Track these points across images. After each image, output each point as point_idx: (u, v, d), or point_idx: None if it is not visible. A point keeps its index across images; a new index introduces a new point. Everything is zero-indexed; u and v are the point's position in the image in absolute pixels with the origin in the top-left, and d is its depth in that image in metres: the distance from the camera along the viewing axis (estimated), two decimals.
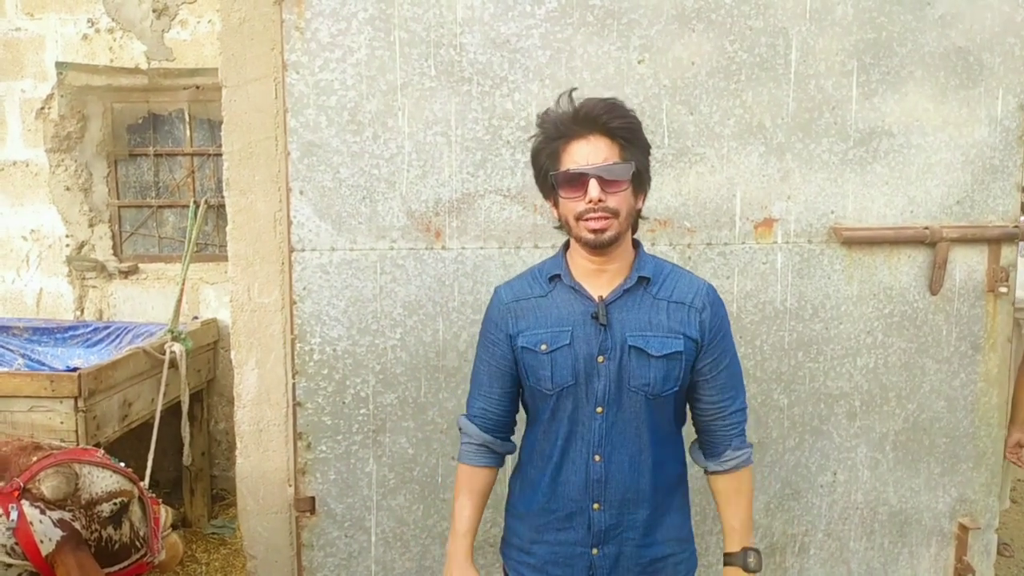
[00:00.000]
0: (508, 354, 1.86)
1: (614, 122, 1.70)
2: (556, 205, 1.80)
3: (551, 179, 1.75)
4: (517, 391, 1.92)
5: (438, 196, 2.58)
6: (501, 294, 1.90)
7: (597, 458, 1.79)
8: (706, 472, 1.92)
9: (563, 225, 1.79)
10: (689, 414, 1.94)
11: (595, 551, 1.83)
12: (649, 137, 2.62)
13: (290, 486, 2.75)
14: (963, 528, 3.02)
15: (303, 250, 2.53)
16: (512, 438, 1.98)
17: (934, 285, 2.86)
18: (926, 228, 2.81)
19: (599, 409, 1.77)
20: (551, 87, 2.58)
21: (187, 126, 4.75)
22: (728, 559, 1.87)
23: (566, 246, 1.86)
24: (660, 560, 1.86)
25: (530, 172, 2.58)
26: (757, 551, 1.85)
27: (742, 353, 2.76)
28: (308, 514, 2.64)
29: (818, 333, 2.81)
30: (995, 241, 2.89)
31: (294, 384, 2.58)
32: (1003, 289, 2.91)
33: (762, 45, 2.68)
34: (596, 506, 1.81)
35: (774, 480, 2.87)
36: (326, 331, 2.57)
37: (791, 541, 2.92)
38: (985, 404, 2.99)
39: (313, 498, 2.64)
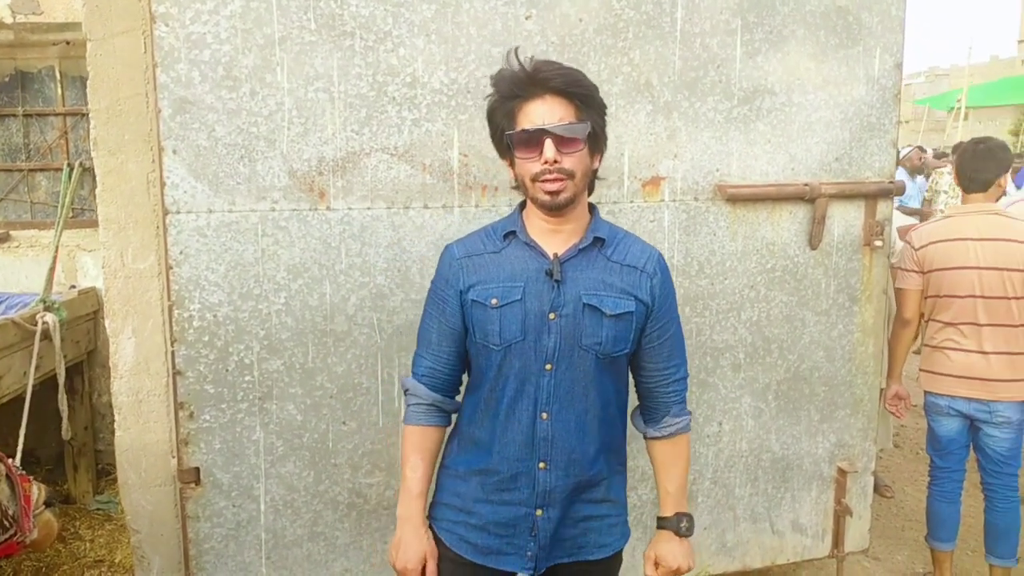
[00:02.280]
0: (458, 311, 1.84)
1: (570, 83, 1.70)
2: (512, 165, 1.79)
3: (506, 139, 1.74)
4: (465, 350, 1.89)
5: (321, 155, 2.49)
6: (453, 250, 1.88)
7: (544, 416, 1.79)
8: (645, 438, 1.97)
9: (519, 185, 1.79)
10: (632, 381, 1.97)
11: (539, 512, 1.83)
12: None
13: (173, 457, 2.66)
14: (841, 472, 3.17)
15: (178, 212, 2.41)
16: (457, 397, 1.97)
17: (814, 240, 2.96)
18: (806, 185, 2.89)
19: (548, 366, 1.77)
20: (437, 43, 2.53)
21: (58, 84, 4.46)
22: (662, 523, 1.92)
23: (522, 205, 1.86)
24: (594, 519, 1.89)
25: (418, 130, 2.57)
26: (690, 516, 1.90)
27: None
28: (193, 485, 2.55)
29: (704, 288, 2.88)
30: (871, 197, 3.00)
31: (173, 352, 2.48)
32: (878, 243, 3.03)
33: (648, 2, 2.68)
34: (542, 465, 1.81)
35: None
36: (206, 297, 2.47)
37: None
38: (862, 353, 3.12)
39: (198, 468, 2.55)
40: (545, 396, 1.79)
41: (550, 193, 1.70)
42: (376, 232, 2.57)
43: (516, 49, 1.74)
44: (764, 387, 3.02)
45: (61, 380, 3.65)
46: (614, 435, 1.91)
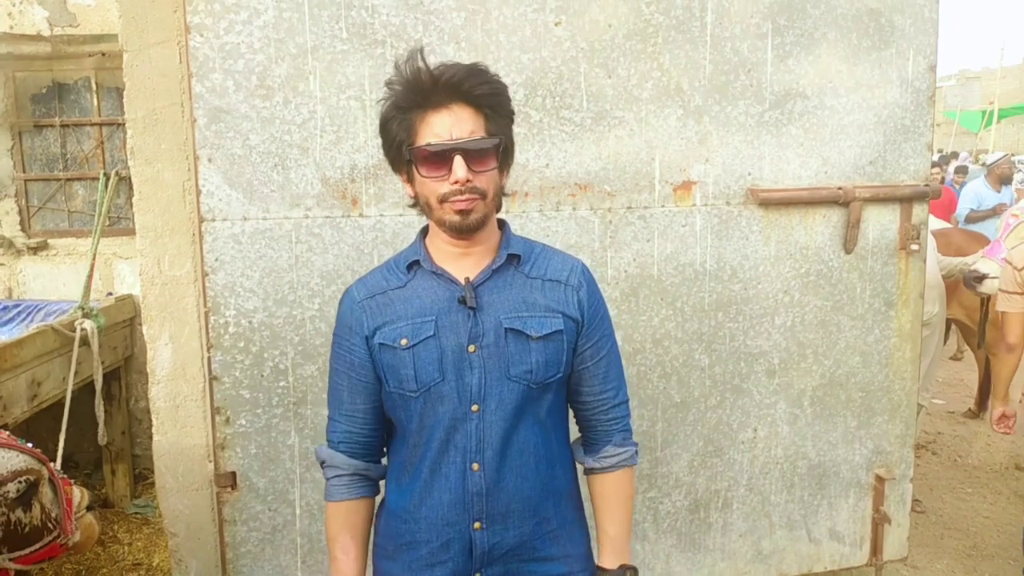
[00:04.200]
0: (367, 360, 1.62)
1: (479, 89, 1.50)
2: (411, 182, 1.58)
3: (407, 153, 1.53)
4: (383, 405, 1.68)
5: (354, 162, 2.51)
6: (352, 292, 1.66)
7: (475, 467, 1.57)
8: (585, 470, 1.74)
9: (421, 206, 1.58)
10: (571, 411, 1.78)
11: None
12: (568, 100, 2.64)
13: (210, 462, 2.69)
14: (879, 479, 3.13)
15: (214, 220, 2.44)
16: (383, 460, 1.75)
17: (848, 244, 2.92)
18: (840, 188, 2.86)
19: (475, 407, 1.56)
20: (467, 50, 2.54)
21: (94, 95, 4.55)
22: (602, 575, 1.67)
23: (424, 231, 1.67)
24: None
25: None
26: (635, 569, 1.67)
27: (664, 315, 2.80)
28: (229, 489, 2.58)
29: (737, 293, 2.85)
30: (907, 200, 2.96)
31: (210, 358, 2.51)
32: (914, 247, 2.99)
33: (678, 7, 2.68)
34: (477, 525, 1.58)
35: (697, 438, 2.91)
36: (241, 303, 2.49)
37: (715, 497, 2.98)
38: (899, 359, 3.08)
39: (234, 473, 2.58)
40: (474, 443, 1.56)
41: (460, 212, 1.50)
42: (408, 239, 2.53)
43: (421, 50, 1.52)
44: (799, 393, 2.99)
45: (98, 386, 3.71)
46: (560, 476, 1.68)
